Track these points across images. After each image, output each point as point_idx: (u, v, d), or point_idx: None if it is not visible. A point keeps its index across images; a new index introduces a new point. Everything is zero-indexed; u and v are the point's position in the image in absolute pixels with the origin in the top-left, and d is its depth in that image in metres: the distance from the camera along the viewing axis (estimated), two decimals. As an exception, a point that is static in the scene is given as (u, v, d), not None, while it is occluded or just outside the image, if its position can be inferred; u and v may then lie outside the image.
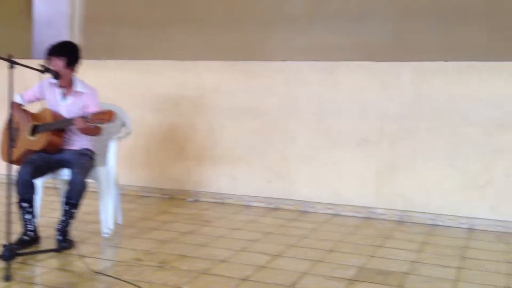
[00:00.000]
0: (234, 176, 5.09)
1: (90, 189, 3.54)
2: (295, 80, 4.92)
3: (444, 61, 4.50)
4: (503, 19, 6.24)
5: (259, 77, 5.04)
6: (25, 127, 3.60)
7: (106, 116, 3.26)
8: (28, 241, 3.45)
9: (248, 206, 4.95)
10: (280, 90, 4.96)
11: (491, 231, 4.24)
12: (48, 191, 3.92)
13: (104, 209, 3.84)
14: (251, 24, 6.61)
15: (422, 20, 6.58)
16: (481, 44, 6.08)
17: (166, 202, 5.12)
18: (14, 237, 3.28)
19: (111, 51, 6.21)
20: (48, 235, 3.61)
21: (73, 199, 3.45)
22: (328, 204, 4.78)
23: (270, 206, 4.94)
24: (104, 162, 3.91)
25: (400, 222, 4.49)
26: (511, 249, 3.81)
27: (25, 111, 3.68)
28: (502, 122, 4.24)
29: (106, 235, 3.81)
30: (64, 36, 6.48)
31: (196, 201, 5.14)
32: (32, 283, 2.90)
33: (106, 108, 3.40)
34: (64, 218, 3.50)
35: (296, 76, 4.93)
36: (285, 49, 6.17)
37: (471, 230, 4.28)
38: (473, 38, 6.21)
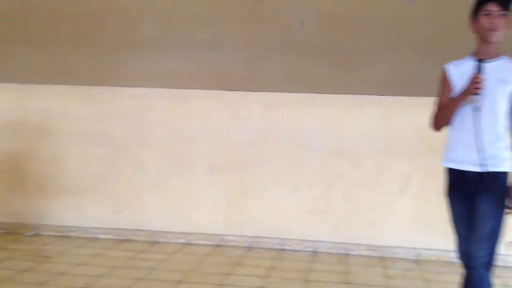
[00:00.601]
0: (79, 207, 4.84)
1: None
2: (146, 107, 4.85)
3: (288, 92, 4.73)
4: (342, 55, 6.77)
5: (108, 103, 4.88)
6: None
7: None
8: None
9: (94, 239, 4.73)
10: (131, 117, 4.85)
11: (333, 253, 4.50)
12: None
13: None
14: (102, 47, 6.41)
15: (271, 52, 6.90)
16: (322, 77, 6.51)
17: (3, 237, 4.71)
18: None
19: None
20: None
21: None
22: (180, 233, 4.74)
23: (119, 237, 4.77)
24: None
25: (250, 248, 4.59)
26: (350, 270, 4.07)
27: None
28: (338, 150, 4.55)
29: None
30: None
31: (36, 235, 4.79)
32: None
33: None
34: None
35: (147, 102, 4.86)
36: (136, 74, 6.06)
37: (315, 253, 4.51)
38: (315, 71, 6.64)
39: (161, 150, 4.81)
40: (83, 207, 4.84)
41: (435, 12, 6.71)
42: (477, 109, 2.48)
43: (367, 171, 4.51)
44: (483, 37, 2.53)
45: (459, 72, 2.59)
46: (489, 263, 2.51)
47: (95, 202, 4.83)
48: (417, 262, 4.34)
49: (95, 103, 4.88)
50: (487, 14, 2.48)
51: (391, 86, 6.35)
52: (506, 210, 2.50)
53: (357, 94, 4.66)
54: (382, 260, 4.36)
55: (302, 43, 6.92)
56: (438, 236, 4.37)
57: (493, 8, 2.47)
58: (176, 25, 7.00)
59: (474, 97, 2.46)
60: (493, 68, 2.51)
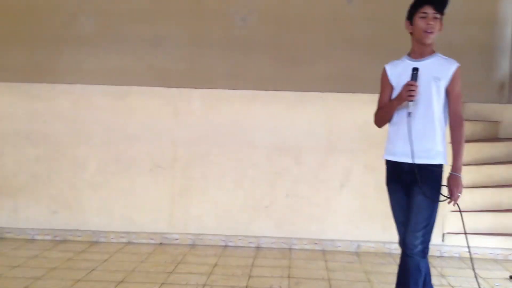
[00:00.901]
0: (14, 208, 4.65)
1: None
2: (84, 104, 4.71)
3: (231, 89, 4.72)
4: (284, 52, 6.85)
5: (44, 100, 4.72)
6: None
7: None
8: None
9: (31, 240, 4.56)
10: (68, 115, 4.71)
11: (276, 248, 4.54)
12: None
13: None
14: (37, 43, 6.20)
15: (213, 49, 6.88)
16: (264, 74, 6.56)
17: None
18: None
19: None
20: None
21: None
22: (121, 232, 4.64)
23: (56, 238, 4.62)
24: None
25: (194, 246, 4.56)
26: (292, 264, 4.12)
27: None
28: (281, 147, 4.59)
29: None
30: None
31: (-31, 238, 4.58)
32: None
33: None
34: None
35: (85, 100, 4.72)
36: (73, 71, 5.90)
37: (258, 248, 4.53)
38: (257, 68, 6.68)
39: (100, 149, 4.69)
40: (19, 208, 4.65)
41: (373, 12, 6.92)
42: (410, 114, 2.62)
43: (309, 167, 4.58)
44: (419, 39, 2.66)
45: (396, 72, 2.75)
46: (423, 251, 2.67)
47: (32, 202, 4.65)
48: (357, 254, 4.44)
49: (31, 101, 4.71)
50: (423, 17, 2.62)
51: (331, 83, 6.50)
52: (444, 199, 2.64)
53: (299, 91, 4.71)
54: (324, 253, 4.43)
55: (244, 40, 6.97)
56: (377, 229, 4.50)
57: (429, 10, 2.61)
58: (114, 21, 6.88)
59: (409, 103, 2.60)
60: (427, 66, 2.66)
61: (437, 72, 2.64)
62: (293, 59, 6.91)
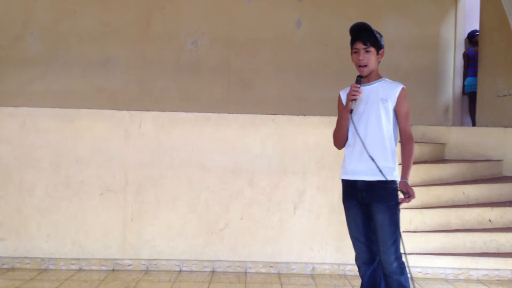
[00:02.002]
0: (-43, 236, 4.43)
1: None
2: (31, 127, 4.57)
3: (183, 111, 4.70)
4: (235, 76, 6.92)
5: (-12, 124, 4.54)
6: None
7: None
8: None
9: (-25, 270, 4.36)
10: (14, 138, 4.55)
11: (231, 272, 4.51)
12: None
13: None
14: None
15: (164, 71, 6.88)
16: (216, 97, 6.60)
17: None
18: None
19: None
20: None
21: None
22: (71, 259, 4.50)
23: (3, 266, 4.43)
24: None
25: (147, 272, 4.47)
26: None
27: None
28: (234, 169, 4.59)
29: None
30: None
31: None
32: None
33: None
34: None
35: (32, 123, 4.58)
36: (19, 93, 5.74)
37: (214, 272, 4.49)
38: (209, 90, 6.71)
39: (48, 173, 4.55)
40: (-40, 237, 4.44)
41: (321, 37, 7.12)
42: (353, 112, 2.87)
43: (262, 189, 4.60)
44: (358, 70, 2.93)
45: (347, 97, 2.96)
46: (400, 266, 2.84)
47: (-25, 230, 4.45)
48: (312, 277, 4.47)
49: (-26, 124, 4.53)
50: (355, 52, 2.91)
51: (282, 105, 6.61)
52: (403, 200, 2.84)
53: (251, 113, 4.74)
54: (279, 276, 4.44)
55: (195, 63, 7.01)
56: (331, 250, 4.55)
57: (359, 46, 2.89)
58: (62, 42, 6.78)
59: (352, 102, 2.86)
60: (374, 89, 2.91)
61: (384, 94, 2.88)
62: (244, 82, 7.00)
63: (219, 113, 4.73)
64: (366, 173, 2.85)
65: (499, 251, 4.62)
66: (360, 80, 2.91)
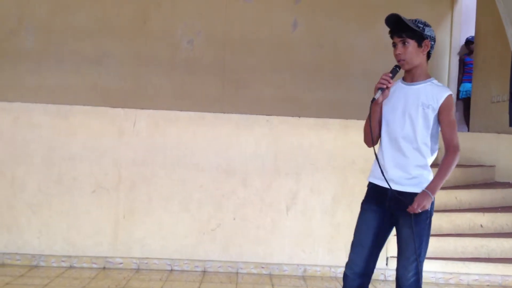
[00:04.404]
0: None
1: None
2: (24, 123, 4.54)
3: (177, 110, 4.69)
4: (230, 74, 6.91)
5: (-20, 118, 4.51)
6: None
7: None
8: None
9: (-36, 266, 4.33)
10: (7, 133, 4.52)
11: (222, 272, 4.50)
12: None
13: None
14: (-27, 58, 5.96)
15: (159, 69, 6.86)
16: (211, 96, 6.59)
17: None
18: None
19: None
20: None
21: None
22: (62, 256, 4.47)
23: (-7, 262, 4.41)
24: None
25: (138, 270, 4.45)
26: (239, 288, 4.10)
27: None
28: (228, 169, 4.58)
29: None
30: None
31: None
32: None
33: None
34: None
35: (25, 118, 4.55)
36: (12, 88, 5.70)
37: (205, 272, 4.48)
38: (204, 89, 6.70)
39: (40, 169, 4.52)
40: (-50, 231, 4.40)
41: (317, 38, 7.12)
42: (388, 110, 2.64)
43: (255, 189, 4.59)
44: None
45: (387, 96, 2.67)
46: (417, 282, 2.64)
47: (-36, 225, 4.42)
48: (304, 278, 4.47)
49: (-34, 118, 4.49)
50: (394, 46, 2.65)
51: (277, 106, 6.61)
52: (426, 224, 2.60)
53: (245, 113, 4.73)
54: (271, 277, 4.43)
55: (190, 61, 7.00)
56: (323, 252, 4.56)
57: (395, 40, 2.63)
58: (57, 37, 6.74)
59: (379, 91, 2.57)
60: (417, 90, 2.62)
61: (426, 98, 2.59)
62: (239, 82, 6.99)
63: (213, 112, 4.72)
64: (398, 182, 2.60)
65: (490, 256, 4.64)
66: (396, 70, 2.63)
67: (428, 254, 4.47)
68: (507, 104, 6.11)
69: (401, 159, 2.62)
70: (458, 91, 7.71)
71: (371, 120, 2.65)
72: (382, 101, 2.66)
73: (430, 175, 2.65)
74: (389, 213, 2.67)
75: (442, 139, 2.64)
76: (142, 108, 4.69)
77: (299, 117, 4.68)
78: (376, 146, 2.77)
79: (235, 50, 7.05)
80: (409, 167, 2.61)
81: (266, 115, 4.69)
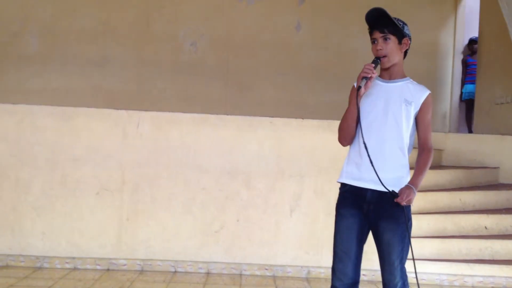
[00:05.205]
0: (-49, 232, 4.41)
1: None
2: (28, 125, 4.55)
3: (180, 112, 4.69)
4: (234, 76, 6.92)
5: (-15, 120, 4.53)
6: None
7: None
8: None
9: (-31, 267, 4.34)
10: (11, 135, 4.53)
11: (226, 273, 4.49)
12: None
13: None
14: (-22, 60, 5.99)
15: (162, 72, 6.87)
16: (214, 98, 6.59)
17: None
18: None
19: None
20: None
21: None
22: (66, 258, 4.47)
23: (-3, 264, 4.42)
24: None
25: (142, 272, 4.45)
26: (242, 289, 4.10)
27: None
28: (231, 171, 4.58)
29: None
30: None
31: None
32: None
33: None
34: None
35: (29, 120, 4.56)
36: (17, 90, 5.72)
37: (208, 274, 4.48)
38: (207, 91, 6.71)
39: (44, 171, 4.53)
40: (-45, 233, 4.42)
41: (321, 40, 7.12)
42: (368, 108, 2.54)
43: (259, 191, 4.59)
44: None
45: (366, 92, 2.58)
46: (404, 283, 2.56)
47: (-31, 227, 4.43)
48: (308, 280, 4.47)
49: (-29, 120, 4.51)
50: (373, 42, 2.59)
51: (280, 108, 6.61)
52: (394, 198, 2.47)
53: (248, 115, 4.74)
54: (274, 279, 4.43)
55: (194, 64, 7.01)
56: (327, 254, 4.52)
57: (376, 35, 2.57)
58: (61, 40, 6.77)
59: (363, 79, 2.50)
60: (397, 88, 2.57)
61: (408, 95, 2.54)
62: (243, 84, 7.00)
63: (216, 114, 4.73)
64: (377, 182, 2.45)
65: (494, 258, 4.62)
66: (377, 61, 2.54)
67: (432, 256, 4.51)
68: (511, 105, 6.10)
69: (382, 158, 2.51)
70: (461, 93, 7.70)
71: (350, 115, 2.57)
72: (363, 93, 2.55)
73: (409, 176, 2.58)
74: (367, 217, 2.57)
75: (417, 138, 2.60)
76: (146, 110, 4.69)
77: (303, 119, 4.67)
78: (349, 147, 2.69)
79: (238, 52, 7.06)
80: (391, 166, 2.53)
81: (270, 117, 4.69)
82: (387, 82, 2.61)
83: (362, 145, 2.49)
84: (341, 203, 2.68)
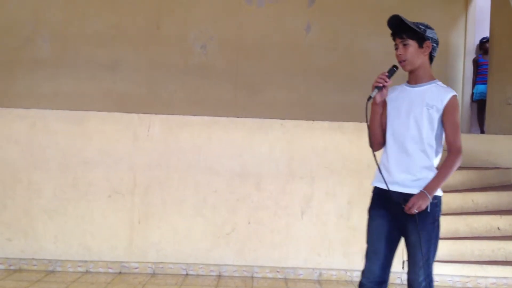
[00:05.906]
0: (-36, 236, 4.45)
1: None
2: (40, 129, 4.58)
3: (191, 115, 4.70)
4: (244, 78, 6.92)
5: (-2, 125, 4.57)
6: None
7: None
8: None
9: (-18, 270, 4.37)
10: (24, 139, 4.57)
11: (237, 276, 4.49)
12: None
13: None
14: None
15: (172, 74, 6.89)
16: (224, 100, 6.60)
17: None
18: None
19: None
20: None
21: None
22: (78, 261, 4.50)
23: (11, 268, 4.44)
24: None
25: (154, 275, 4.46)
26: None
27: None
28: (242, 173, 4.58)
29: None
30: None
31: None
32: None
33: None
34: None
35: (41, 124, 4.60)
36: (29, 95, 5.77)
37: (220, 277, 4.48)
38: (217, 94, 6.72)
39: (56, 174, 4.56)
40: (-32, 237, 4.45)
41: (331, 41, 7.11)
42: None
43: (270, 193, 4.58)
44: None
45: (393, 95, 2.70)
46: (429, 285, 2.61)
47: (-17, 230, 4.46)
48: (319, 282, 4.45)
49: (-16, 125, 4.55)
50: (395, 48, 2.66)
51: (290, 110, 6.60)
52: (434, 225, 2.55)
53: (259, 117, 4.74)
54: (286, 281, 4.42)
55: (203, 66, 7.02)
56: (338, 256, 4.53)
57: (397, 41, 2.65)
58: (72, 45, 6.81)
59: (375, 89, 2.58)
60: (421, 92, 2.61)
61: (431, 99, 2.57)
62: (253, 86, 7.00)
63: (227, 116, 4.73)
64: (404, 184, 2.55)
65: (507, 259, 4.58)
66: (394, 69, 2.62)
67: (445, 257, 4.47)
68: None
69: (406, 161, 2.59)
70: (472, 93, 7.65)
71: (368, 119, 2.63)
72: (380, 101, 2.65)
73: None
74: (396, 218, 2.62)
75: (445, 140, 2.61)
76: (156, 113, 4.71)
77: (313, 120, 4.67)
78: (380, 151, 2.75)
79: (248, 54, 7.06)
80: (415, 168, 2.57)
81: (280, 119, 4.68)
82: (412, 87, 2.66)
83: (390, 148, 2.65)
84: (371, 205, 2.76)
